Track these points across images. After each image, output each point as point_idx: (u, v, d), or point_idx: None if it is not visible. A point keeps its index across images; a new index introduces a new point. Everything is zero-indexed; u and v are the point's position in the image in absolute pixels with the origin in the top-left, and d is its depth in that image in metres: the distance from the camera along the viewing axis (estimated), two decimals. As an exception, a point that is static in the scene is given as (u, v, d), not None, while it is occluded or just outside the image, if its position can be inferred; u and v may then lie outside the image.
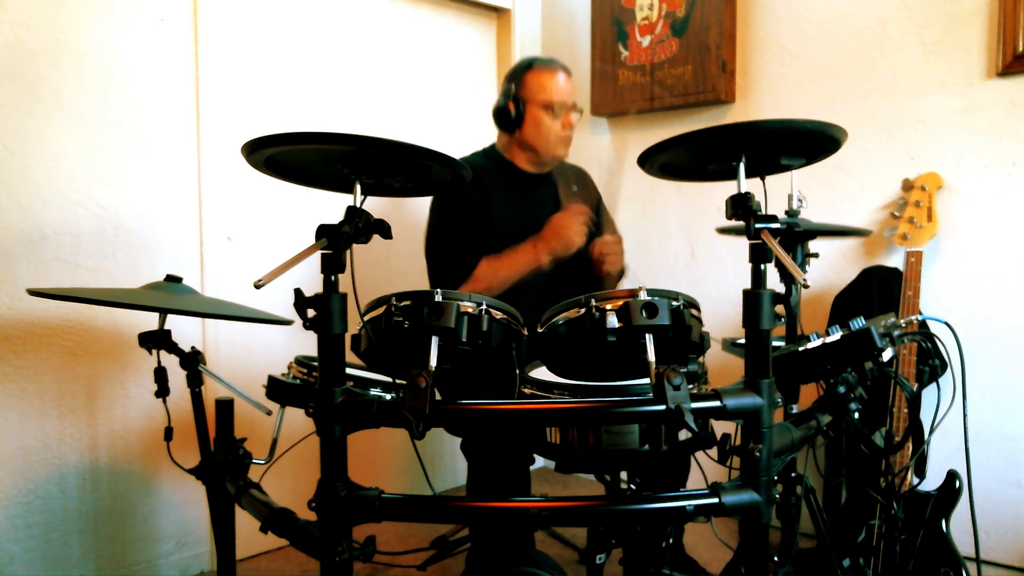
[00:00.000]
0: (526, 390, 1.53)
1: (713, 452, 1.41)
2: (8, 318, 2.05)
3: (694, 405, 1.21)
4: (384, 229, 1.31)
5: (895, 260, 2.42)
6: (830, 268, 2.58)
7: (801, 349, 1.52)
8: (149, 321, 1.73)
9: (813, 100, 2.61)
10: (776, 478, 1.36)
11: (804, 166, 1.47)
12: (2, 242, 2.03)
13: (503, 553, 1.74)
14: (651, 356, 1.22)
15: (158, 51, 2.28)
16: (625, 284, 2.37)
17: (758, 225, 1.24)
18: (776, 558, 1.76)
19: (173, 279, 1.72)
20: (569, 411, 1.32)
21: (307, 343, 2.21)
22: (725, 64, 2.74)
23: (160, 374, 1.71)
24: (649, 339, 1.23)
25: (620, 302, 1.25)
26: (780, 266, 1.68)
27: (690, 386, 1.24)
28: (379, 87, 2.87)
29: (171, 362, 1.71)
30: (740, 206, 1.26)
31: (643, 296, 1.25)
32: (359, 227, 1.27)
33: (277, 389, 1.71)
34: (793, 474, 1.60)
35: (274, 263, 1.19)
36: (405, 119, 2.95)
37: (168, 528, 2.36)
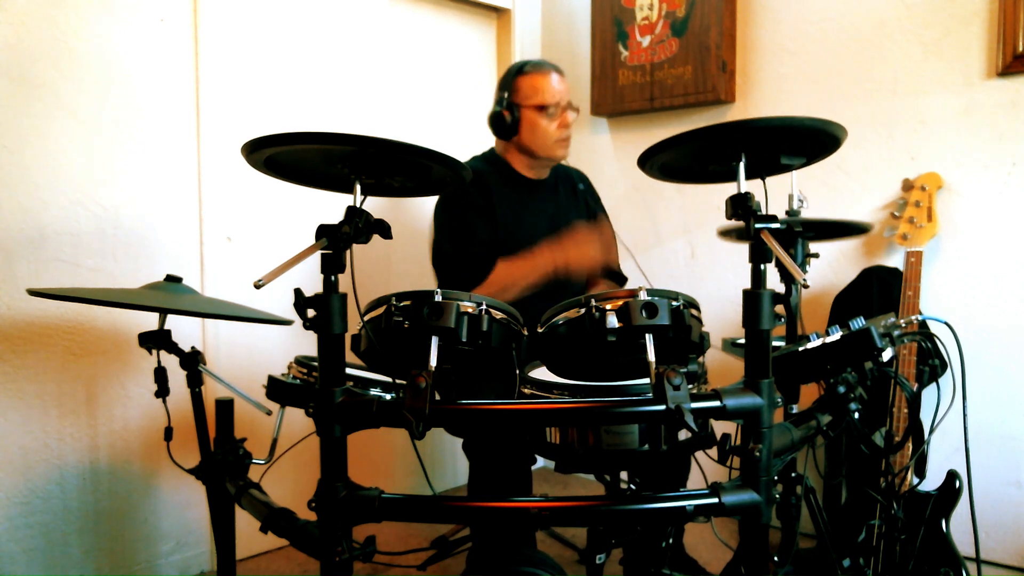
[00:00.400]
0: (526, 390, 1.53)
1: (713, 452, 1.41)
2: (8, 318, 2.05)
3: (694, 405, 1.21)
4: (384, 229, 1.32)
5: (895, 260, 2.42)
6: (830, 268, 2.58)
7: (801, 349, 1.52)
8: (149, 321, 1.73)
9: (813, 100, 2.61)
10: (776, 478, 1.36)
11: (804, 166, 1.47)
12: (2, 242, 2.03)
13: (503, 553, 1.74)
14: (651, 356, 1.22)
15: (158, 51, 2.28)
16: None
17: (758, 225, 1.24)
18: (776, 558, 1.76)
19: (173, 279, 1.72)
20: (569, 411, 1.32)
21: (307, 343, 2.21)
22: (725, 64, 2.74)
23: (160, 374, 1.71)
24: (649, 339, 1.23)
25: (620, 302, 1.25)
26: (780, 266, 1.67)
27: (690, 386, 1.24)
28: (379, 87, 2.87)
29: (171, 362, 1.71)
30: (740, 206, 1.26)
31: (643, 296, 1.25)
32: (359, 227, 1.28)
33: (277, 389, 1.72)
34: (793, 474, 1.60)
35: (274, 263, 1.19)
36: (405, 119, 2.95)
37: (168, 528, 2.36)
